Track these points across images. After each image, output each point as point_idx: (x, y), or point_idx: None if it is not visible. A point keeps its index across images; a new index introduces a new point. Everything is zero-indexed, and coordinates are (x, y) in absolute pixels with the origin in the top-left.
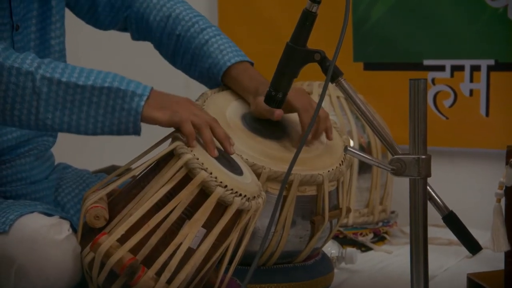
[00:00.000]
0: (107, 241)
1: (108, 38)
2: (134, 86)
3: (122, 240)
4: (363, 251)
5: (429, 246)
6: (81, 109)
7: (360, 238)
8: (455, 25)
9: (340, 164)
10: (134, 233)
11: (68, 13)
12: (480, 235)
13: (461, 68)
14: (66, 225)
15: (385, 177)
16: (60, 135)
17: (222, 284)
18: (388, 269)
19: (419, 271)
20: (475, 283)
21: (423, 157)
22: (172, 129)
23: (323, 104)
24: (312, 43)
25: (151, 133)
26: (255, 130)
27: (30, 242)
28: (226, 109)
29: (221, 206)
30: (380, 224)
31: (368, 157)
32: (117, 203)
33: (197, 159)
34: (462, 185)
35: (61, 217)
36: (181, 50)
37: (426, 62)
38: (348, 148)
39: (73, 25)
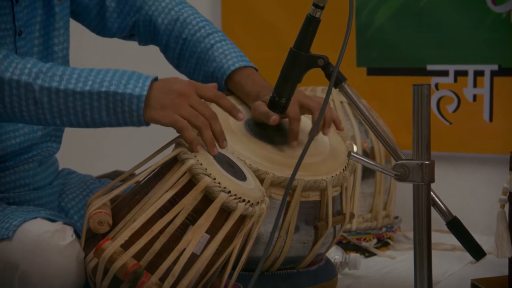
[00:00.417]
0: (110, 246)
1: (110, 43)
2: (132, 86)
3: (126, 245)
4: (366, 257)
5: (433, 252)
6: (85, 113)
7: (364, 244)
8: (458, 30)
9: (343, 170)
10: (138, 239)
11: (72, 20)
12: (484, 241)
13: (464, 73)
14: (69, 230)
15: (388, 182)
16: (65, 141)
17: None
18: (392, 274)
19: (423, 277)
20: None
21: (427, 162)
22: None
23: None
24: (315, 48)
25: (155, 138)
26: (259, 136)
27: (33, 248)
28: (229, 115)
29: (225, 212)
30: (384, 229)
31: (372, 162)
32: (120, 208)
33: (201, 164)
34: (466, 190)
35: (65, 223)
36: (186, 54)
37: (430, 67)
38: (352, 154)
39: (77, 31)
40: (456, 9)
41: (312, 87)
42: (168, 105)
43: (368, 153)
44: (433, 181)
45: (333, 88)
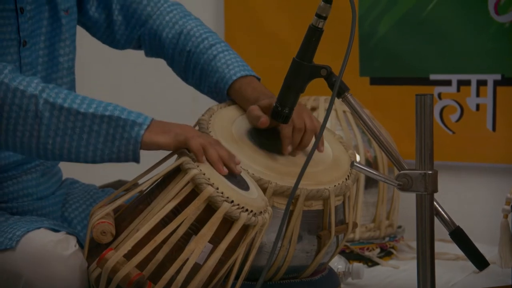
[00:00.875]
0: (113, 256)
1: (116, 53)
2: (134, 115)
3: (129, 255)
4: (369, 266)
5: (436, 261)
6: (81, 136)
7: (367, 253)
8: (461, 40)
9: (346, 179)
10: (141, 249)
11: (78, 30)
12: (487, 250)
13: (467, 82)
14: (73, 240)
15: (391, 191)
16: None
17: None
18: (395, 284)
19: (426, 286)
20: None
21: (430, 172)
22: None
23: (329, 119)
24: (318, 58)
25: None
26: (261, 145)
27: (37, 258)
28: (232, 124)
29: (228, 221)
30: (387, 239)
31: (375, 172)
32: (123, 218)
33: (204, 174)
34: (469, 199)
35: (68, 233)
36: (191, 66)
37: (433, 77)
38: (355, 164)
39: (82, 41)
40: (459, 18)
41: (315, 97)
42: (168, 130)
43: (371, 163)
44: (436, 191)
45: (336, 98)
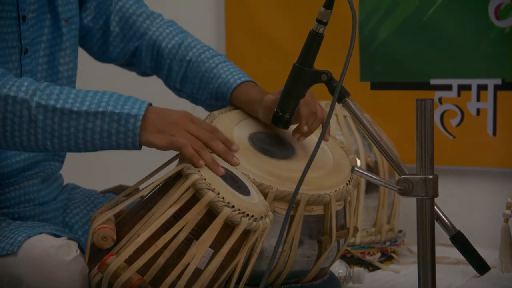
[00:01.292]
0: (115, 261)
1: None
2: (129, 107)
3: (130, 260)
4: (370, 271)
5: (437, 265)
6: (77, 135)
7: (368, 258)
8: (461, 45)
9: (347, 184)
10: (142, 254)
11: None
12: (488, 255)
13: (468, 87)
14: (74, 246)
15: (392, 196)
16: (69, 156)
17: None
18: None
19: None
20: None
21: (430, 177)
22: None
23: (330, 124)
24: (319, 63)
25: (159, 153)
26: (262, 150)
27: (38, 263)
28: (233, 129)
29: (229, 227)
30: (388, 243)
31: (375, 177)
32: (124, 224)
33: (205, 179)
34: (470, 204)
35: (69, 238)
36: (190, 75)
37: (433, 82)
38: (355, 169)
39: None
40: (459, 23)
41: None
42: (165, 130)
43: (372, 167)
44: (436, 195)
45: (336, 103)
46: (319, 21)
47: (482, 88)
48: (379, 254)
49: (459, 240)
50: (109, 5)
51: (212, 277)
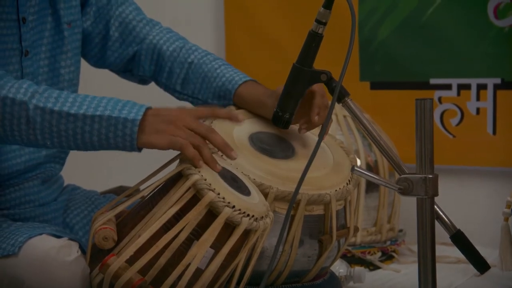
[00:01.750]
0: (116, 262)
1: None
2: (126, 111)
3: (131, 261)
4: (371, 270)
5: (438, 265)
6: (76, 137)
7: (368, 257)
8: (461, 44)
9: (347, 183)
10: (143, 254)
11: None
12: (488, 253)
13: (467, 86)
14: (75, 246)
15: (392, 195)
16: (69, 156)
17: None
18: (396, 287)
19: None
20: None
21: (430, 176)
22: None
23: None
24: (318, 63)
25: (160, 154)
26: (262, 150)
27: (39, 264)
28: (233, 130)
29: (229, 227)
30: (388, 242)
31: (375, 176)
32: (125, 224)
33: (205, 179)
34: (469, 203)
35: (70, 239)
36: (192, 76)
37: (433, 81)
38: (355, 168)
39: None
40: (458, 23)
41: None
42: (163, 130)
43: (372, 167)
44: (436, 194)
45: (336, 103)
46: (319, 21)
47: (481, 87)
48: (379, 254)
49: (459, 239)
50: (109, 10)
51: (213, 277)
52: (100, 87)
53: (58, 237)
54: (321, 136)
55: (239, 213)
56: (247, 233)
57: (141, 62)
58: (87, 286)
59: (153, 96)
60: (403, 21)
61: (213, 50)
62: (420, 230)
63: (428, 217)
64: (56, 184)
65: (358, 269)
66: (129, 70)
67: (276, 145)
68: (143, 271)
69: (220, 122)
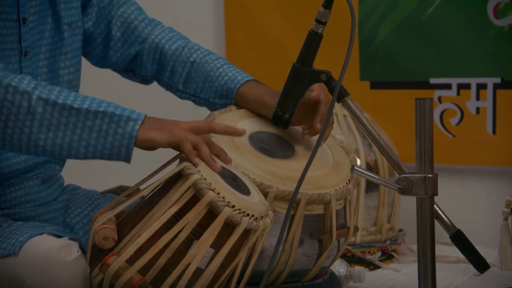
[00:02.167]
0: (116, 262)
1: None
2: (129, 112)
3: (131, 261)
4: (371, 270)
5: (437, 264)
6: (74, 131)
7: (368, 257)
8: (461, 44)
9: (347, 183)
10: (143, 254)
11: None
12: (488, 253)
13: (467, 86)
14: (75, 246)
15: (392, 195)
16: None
17: None
18: (396, 287)
19: None
20: None
21: (430, 176)
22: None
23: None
24: (318, 62)
25: (159, 153)
26: (262, 150)
27: (39, 264)
28: None
29: (229, 226)
30: (388, 242)
31: (375, 176)
32: (125, 224)
33: (205, 179)
34: (469, 202)
35: (70, 239)
36: (194, 75)
37: (433, 81)
38: (355, 168)
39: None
40: (458, 22)
41: None
42: (163, 127)
43: (372, 167)
44: (436, 194)
45: (336, 102)
46: (318, 21)
47: (481, 87)
48: (379, 253)
49: (459, 239)
50: (111, 11)
51: (213, 277)
52: (101, 88)
53: (59, 236)
54: (321, 136)
55: (239, 213)
56: (247, 233)
57: (143, 61)
58: (87, 286)
59: (154, 96)
60: (403, 20)
61: (213, 50)
62: (420, 229)
63: (428, 216)
64: (57, 184)
65: (358, 268)
66: (131, 69)
67: (276, 144)
68: (143, 270)
69: (221, 120)
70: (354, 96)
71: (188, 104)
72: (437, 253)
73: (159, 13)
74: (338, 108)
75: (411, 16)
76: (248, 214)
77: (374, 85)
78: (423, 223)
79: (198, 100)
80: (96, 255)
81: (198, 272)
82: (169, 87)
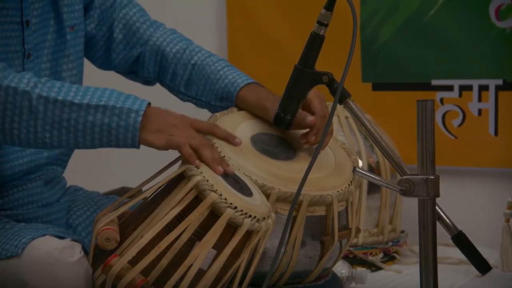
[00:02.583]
0: (118, 263)
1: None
2: (130, 102)
3: (133, 262)
4: (373, 271)
5: (439, 265)
6: (77, 127)
7: (370, 258)
8: (462, 45)
9: (349, 184)
10: (145, 255)
11: None
12: (489, 254)
13: (469, 88)
14: (78, 247)
15: (394, 196)
16: (72, 157)
17: None
18: None
19: None
20: None
21: (432, 177)
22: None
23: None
24: (320, 64)
25: (162, 155)
26: (264, 151)
27: (42, 265)
28: (235, 131)
29: (231, 228)
30: (390, 243)
31: (377, 177)
32: (128, 225)
33: (207, 181)
34: (471, 204)
35: (73, 240)
36: (195, 77)
37: (434, 82)
38: (357, 169)
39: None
40: (460, 24)
41: None
42: (164, 130)
43: (374, 168)
44: (438, 195)
45: (338, 104)
46: (320, 23)
47: (483, 88)
48: (381, 255)
49: (461, 240)
50: (113, 13)
51: (215, 278)
52: None
53: (61, 238)
54: (322, 138)
55: (241, 214)
56: (249, 234)
57: (145, 63)
58: (90, 287)
59: (157, 97)
60: (405, 22)
61: (215, 52)
62: (422, 231)
63: (429, 218)
64: (59, 185)
65: (360, 270)
66: (134, 71)
67: (277, 146)
68: (146, 272)
69: (222, 123)
70: (356, 97)
71: (190, 105)
72: (439, 254)
73: (161, 14)
74: (340, 109)
75: (413, 17)
76: (250, 216)
77: (376, 87)
78: (425, 225)
79: (200, 102)
80: (99, 256)
81: (200, 273)
82: (171, 89)
